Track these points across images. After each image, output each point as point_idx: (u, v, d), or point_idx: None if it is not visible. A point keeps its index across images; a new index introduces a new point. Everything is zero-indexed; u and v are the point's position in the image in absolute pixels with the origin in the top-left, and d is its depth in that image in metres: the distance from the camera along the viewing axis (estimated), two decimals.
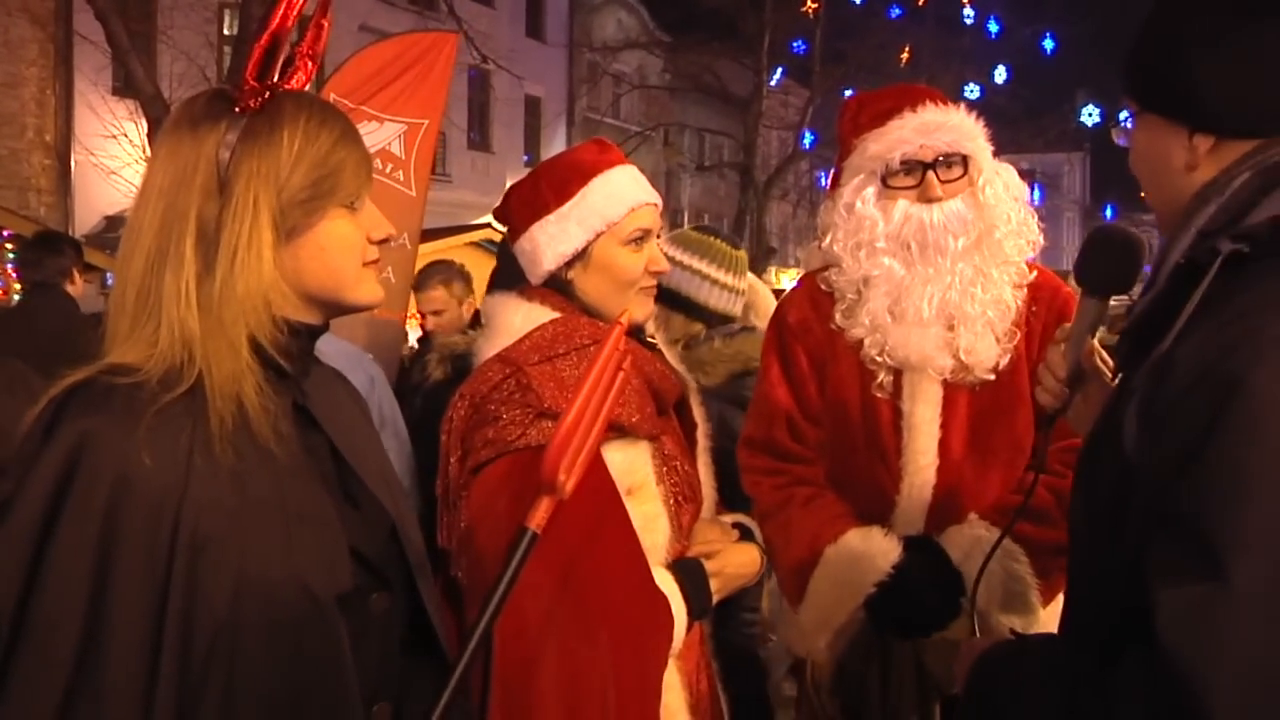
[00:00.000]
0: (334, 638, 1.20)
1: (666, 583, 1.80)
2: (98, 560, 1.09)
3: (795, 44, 21.02)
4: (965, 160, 2.19)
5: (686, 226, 3.31)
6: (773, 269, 24.71)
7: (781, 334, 2.37)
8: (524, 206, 1.93)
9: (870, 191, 2.22)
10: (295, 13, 1.24)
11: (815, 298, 2.33)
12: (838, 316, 2.25)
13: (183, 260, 1.19)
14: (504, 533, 1.65)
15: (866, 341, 2.20)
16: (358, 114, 6.00)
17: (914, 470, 2.19)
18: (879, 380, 2.20)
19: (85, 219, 15.29)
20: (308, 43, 1.27)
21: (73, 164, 15.16)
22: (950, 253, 2.15)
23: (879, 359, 2.19)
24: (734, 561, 1.96)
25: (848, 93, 20.40)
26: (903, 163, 2.18)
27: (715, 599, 1.89)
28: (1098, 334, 1.63)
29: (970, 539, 2.11)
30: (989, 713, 1.38)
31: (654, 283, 1.95)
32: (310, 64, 1.27)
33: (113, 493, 1.10)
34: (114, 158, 14.16)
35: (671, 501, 1.87)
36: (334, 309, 1.32)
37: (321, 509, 1.24)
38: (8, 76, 14.74)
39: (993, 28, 20.06)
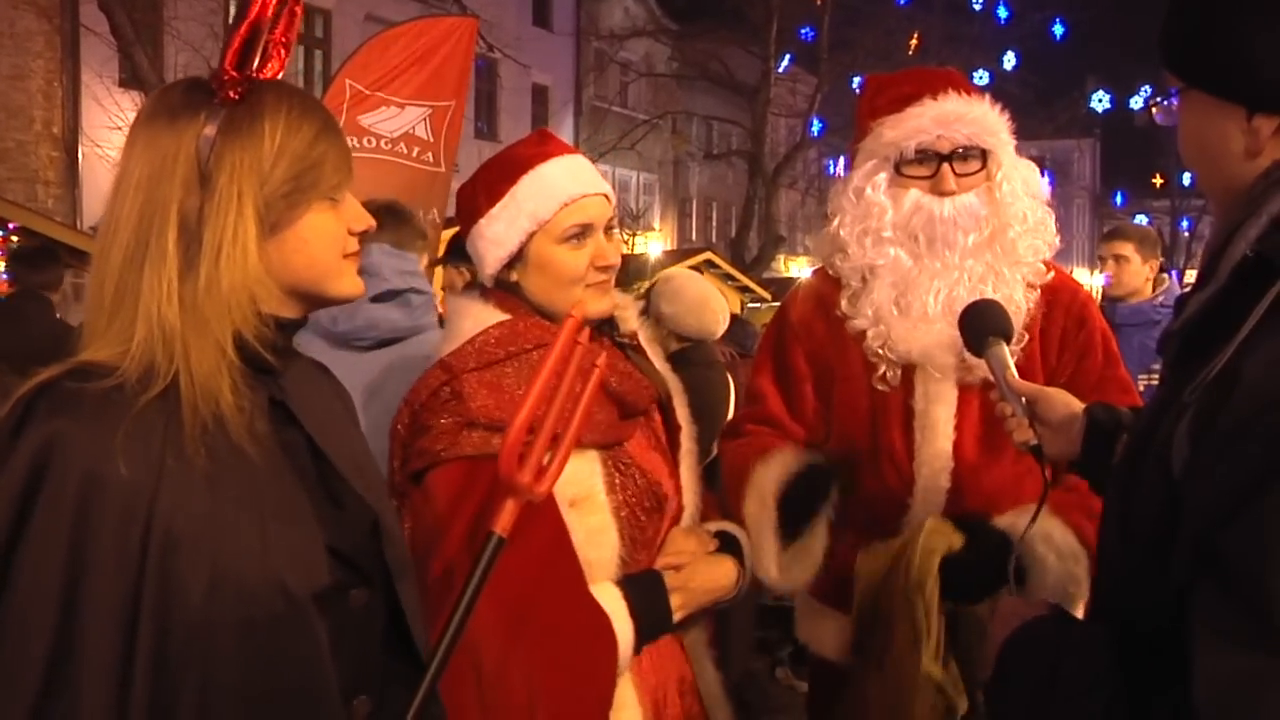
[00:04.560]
0: (311, 634, 1.19)
1: (610, 599, 1.73)
2: (69, 561, 1.08)
3: (803, 31, 20.87)
4: (984, 154, 2.11)
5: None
6: (781, 257, 24.66)
7: (781, 332, 2.31)
8: (462, 209, 1.88)
9: (882, 178, 2.15)
10: (275, 1, 1.22)
11: (821, 291, 2.26)
12: (843, 304, 2.17)
13: (164, 255, 1.17)
14: (437, 538, 1.65)
15: (869, 334, 2.13)
16: (374, 100, 6.04)
17: (928, 474, 2.11)
18: (880, 372, 2.12)
19: (93, 211, 15.31)
20: (281, 30, 1.25)
21: (80, 156, 15.17)
22: (960, 248, 2.09)
23: (881, 352, 2.12)
24: (702, 575, 1.86)
25: (856, 80, 20.45)
26: (918, 152, 2.10)
27: (678, 615, 1.80)
28: (1012, 368, 1.78)
29: (1005, 524, 1.97)
30: (1018, 691, 1.28)
31: (606, 277, 1.84)
32: (284, 52, 1.25)
33: (83, 494, 1.09)
34: (120, 149, 14.18)
35: (625, 513, 1.78)
36: (315, 302, 1.32)
37: (297, 507, 1.23)
38: (14, 69, 14.75)
39: (1002, 13, 19.91)
